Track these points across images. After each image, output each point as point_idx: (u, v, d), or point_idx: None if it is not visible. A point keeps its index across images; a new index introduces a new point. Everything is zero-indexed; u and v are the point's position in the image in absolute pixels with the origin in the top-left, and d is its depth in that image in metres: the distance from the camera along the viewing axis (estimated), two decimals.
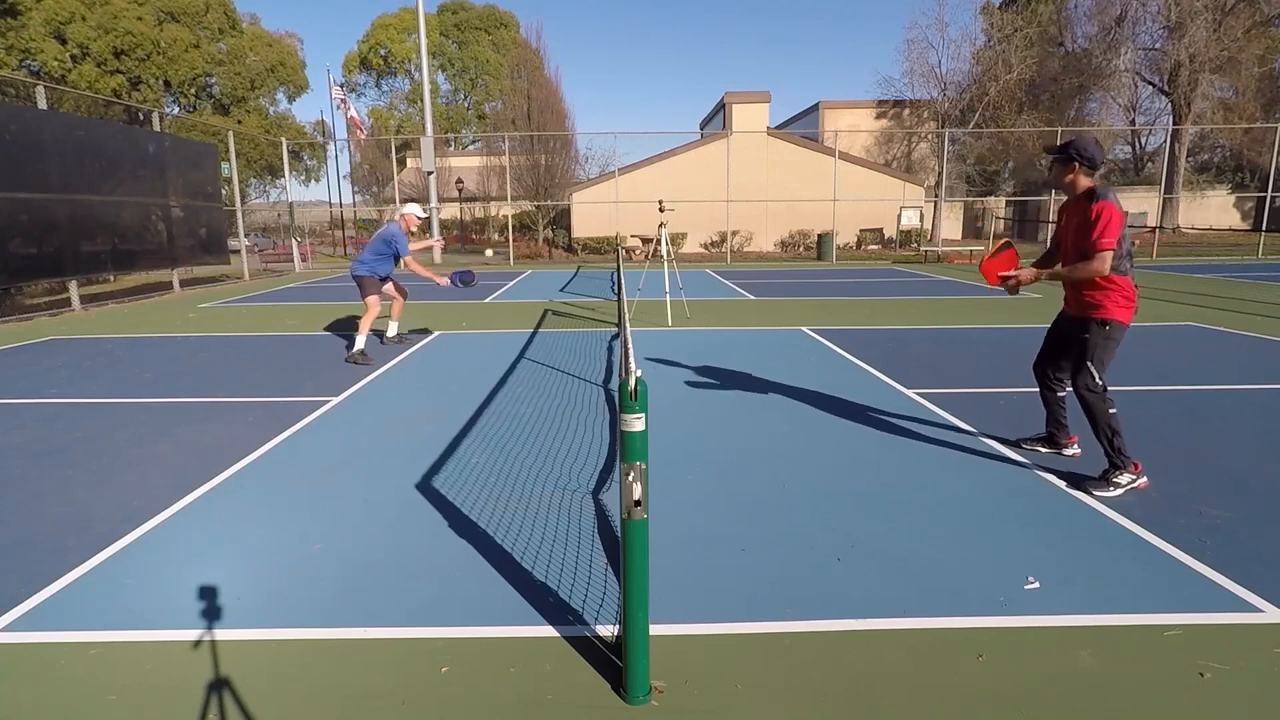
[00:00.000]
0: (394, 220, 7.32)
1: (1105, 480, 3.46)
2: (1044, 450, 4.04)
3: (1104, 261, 3.34)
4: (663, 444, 4.20)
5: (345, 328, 8.73)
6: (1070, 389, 3.66)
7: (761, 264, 20.97)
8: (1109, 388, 3.51)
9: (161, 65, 30.73)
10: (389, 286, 7.48)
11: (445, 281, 7.23)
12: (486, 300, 12.22)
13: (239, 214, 18.94)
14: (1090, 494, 3.43)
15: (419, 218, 7.31)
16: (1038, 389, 4.03)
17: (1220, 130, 29.90)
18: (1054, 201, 23.56)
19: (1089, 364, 3.50)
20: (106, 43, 28.85)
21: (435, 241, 7.40)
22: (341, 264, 21.61)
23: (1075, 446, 3.97)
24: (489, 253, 7.37)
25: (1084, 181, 3.51)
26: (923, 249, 22.73)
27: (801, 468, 3.90)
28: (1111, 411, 3.46)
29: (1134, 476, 3.46)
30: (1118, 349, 3.53)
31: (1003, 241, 4.05)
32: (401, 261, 7.16)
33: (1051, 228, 22.70)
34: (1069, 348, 3.69)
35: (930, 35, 39.87)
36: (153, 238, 13.74)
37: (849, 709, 2.03)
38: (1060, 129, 22.91)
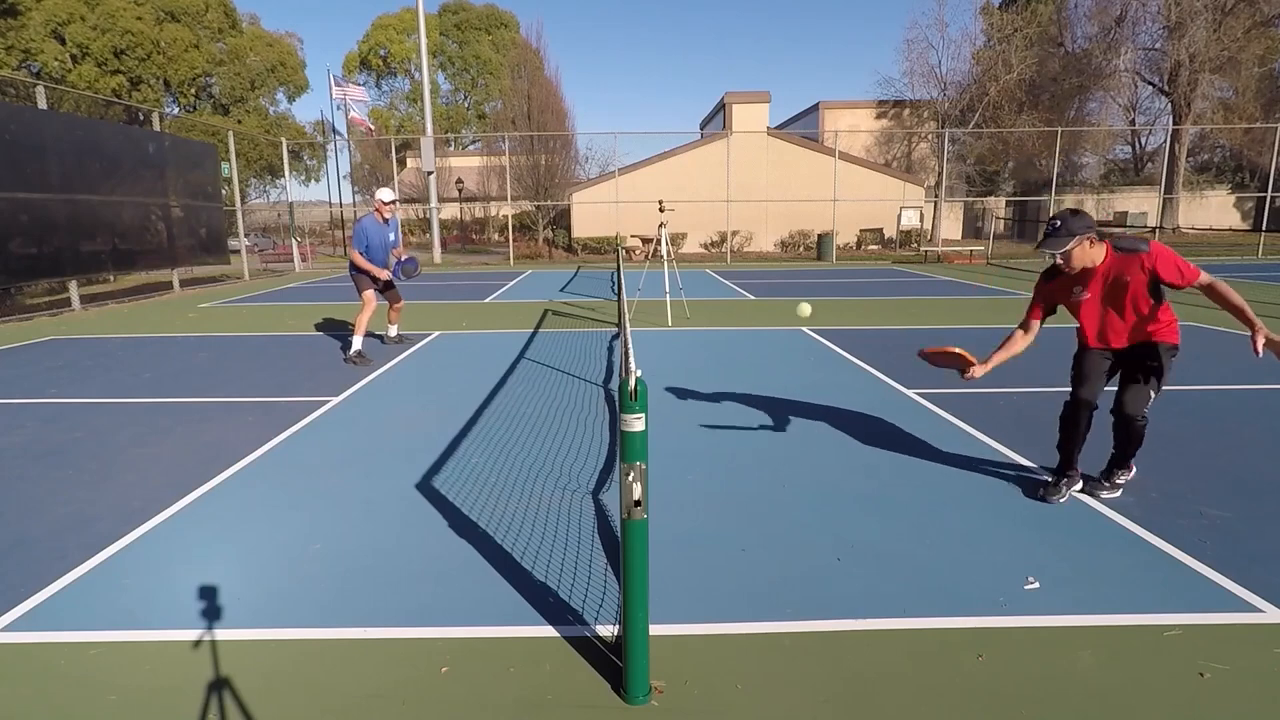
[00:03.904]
0: (370, 213, 7.19)
1: (1109, 482, 3.45)
2: (1076, 489, 3.54)
3: (1212, 276, 3.10)
4: (663, 444, 4.20)
5: (345, 328, 8.72)
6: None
7: (761, 264, 20.96)
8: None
9: (161, 65, 30.75)
10: (393, 293, 7.47)
11: (387, 275, 7.17)
12: (486, 300, 12.22)
13: (239, 214, 18.94)
14: (1097, 496, 3.42)
15: (385, 201, 7.07)
16: (1075, 421, 3.45)
17: (1220, 130, 29.90)
18: (1054, 203, 23.54)
19: (1150, 392, 3.27)
20: (106, 42, 28.86)
21: (383, 273, 7.20)
22: (341, 264, 21.61)
23: (1079, 479, 3.57)
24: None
25: (1099, 251, 3.22)
26: (923, 249, 22.74)
27: (801, 468, 3.90)
28: (1144, 430, 3.37)
29: (1127, 471, 3.49)
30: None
31: (954, 352, 3.46)
32: (349, 257, 7.06)
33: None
34: (1122, 376, 3.38)
35: (930, 35, 39.96)
36: (153, 238, 13.74)
37: (849, 709, 2.03)
38: (1060, 129, 22.90)
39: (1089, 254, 3.22)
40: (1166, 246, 3.15)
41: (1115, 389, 3.42)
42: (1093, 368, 3.45)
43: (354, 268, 7.11)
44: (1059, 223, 3.18)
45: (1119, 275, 3.21)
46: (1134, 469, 3.52)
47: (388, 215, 7.14)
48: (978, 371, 3.35)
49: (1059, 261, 3.27)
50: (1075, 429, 3.47)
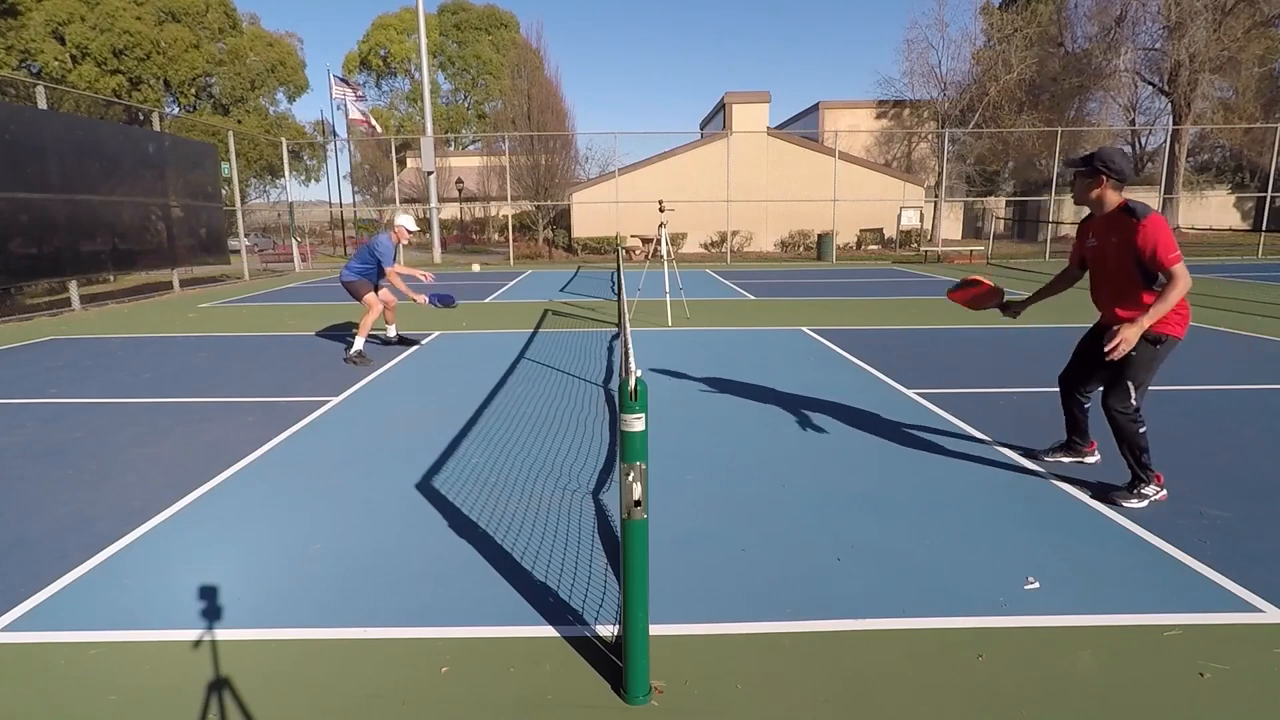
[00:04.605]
0: (385, 231, 7.27)
1: (1132, 492, 3.34)
2: (1066, 460, 3.83)
3: (1186, 276, 3.03)
4: (663, 444, 4.20)
5: (345, 328, 8.73)
6: (1094, 401, 3.46)
7: (761, 264, 20.96)
8: (1140, 408, 3.28)
9: (161, 65, 30.75)
10: (384, 293, 7.47)
11: (424, 300, 7.24)
12: (486, 300, 12.21)
13: (239, 214, 18.94)
14: (1118, 505, 3.31)
15: (410, 231, 7.27)
16: (1060, 396, 3.77)
17: (1220, 130, 29.90)
18: (1054, 201, 23.56)
19: (1127, 384, 3.23)
20: (105, 42, 28.86)
21: (424, 274, 7.38)
22: (342, 264, 21.62)
23: (1096, 453, 3.79)
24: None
25: (1113, 197, 3.22)
26: (923, 249, 22.74)
27: (801, 468, 3.90)
28: (1141, 431, 3.26)
29: (1158, 488, 3.35)
30: (1161, 366, 3.28)
31: (970, 279, 3.83)
32: (384, 273, 7.05)
33: (1052, 228, 22.61)
34: (1104, 363, 3.38)
35: (930, 35, 39.93)
36: (153, 238, 13.74)
37: (849, 709, 2.03)
38: (1060, 129, 22.89)
39: (1096, 194, 3.25)
40: (1165, 224, 3.09)
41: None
42: (1081, 347, 3.64)
43: (347, 278, 7.11)
44: (1098, 150, 3.24)
45: (1112, 232, 3.26)
46: (1164, 489, 3.36)
47: (405, 241, 7.38)
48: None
49: (1070, 180, 3.40)
50: (1061, 398, 3.78)
